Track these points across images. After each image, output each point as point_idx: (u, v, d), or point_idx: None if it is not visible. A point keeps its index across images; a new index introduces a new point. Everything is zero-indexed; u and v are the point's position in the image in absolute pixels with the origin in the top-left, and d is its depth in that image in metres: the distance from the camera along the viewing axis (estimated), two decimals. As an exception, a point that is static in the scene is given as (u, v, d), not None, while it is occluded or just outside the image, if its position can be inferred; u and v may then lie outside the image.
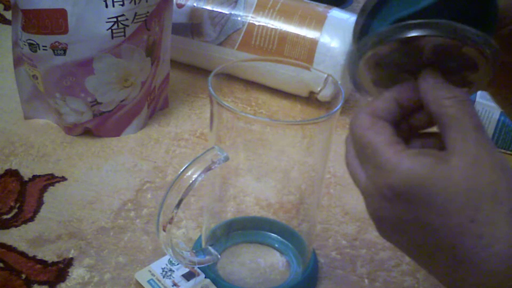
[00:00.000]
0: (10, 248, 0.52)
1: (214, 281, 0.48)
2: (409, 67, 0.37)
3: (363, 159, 0.36)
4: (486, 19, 0.36)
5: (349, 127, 0.37)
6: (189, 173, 0.42)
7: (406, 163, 0.34)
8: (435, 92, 0.35)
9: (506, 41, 0.37)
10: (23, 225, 0.54)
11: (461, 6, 0.35)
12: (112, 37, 0.60)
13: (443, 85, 0.35)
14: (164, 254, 0.51)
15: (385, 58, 0.37)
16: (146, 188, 0.60)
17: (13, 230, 0.54)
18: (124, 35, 0.61)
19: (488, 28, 0.36)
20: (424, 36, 0.34)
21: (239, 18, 0.73)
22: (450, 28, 0.34)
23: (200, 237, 0.52)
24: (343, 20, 0.72)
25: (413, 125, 0.38)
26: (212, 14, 0.74)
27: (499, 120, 0.68)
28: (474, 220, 0.33)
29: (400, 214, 0.35)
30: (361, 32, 0.38)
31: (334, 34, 0.70)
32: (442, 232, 0.34)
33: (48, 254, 0.51)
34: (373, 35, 0.36)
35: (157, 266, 0.50)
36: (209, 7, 0.75)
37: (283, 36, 0.71)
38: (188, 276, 0.49)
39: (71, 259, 0.51)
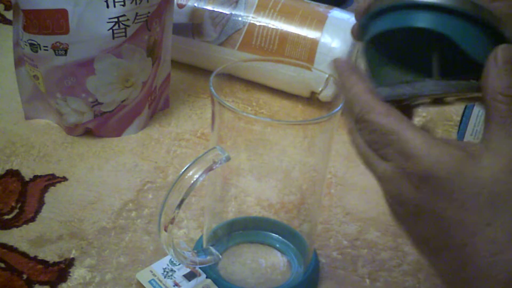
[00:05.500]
0: (11, 249, 0.52)
1: (215, 281, 0.48)
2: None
3: (382, 145, 0.35)
4: None
5: (356, 115, 0.36)
6: (190, 173, 0.42)
7: (435, 153, 0.33)
8: (498, 80, 0.34)
9: None
10: (24, 226, 0.54)
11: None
12: (113, 37, 0.60)
13: (508, 74, 0.34)
14: (165, 254, 0.51)
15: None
16: (147, 188, 0.60)
17: (14, 231, 0.54)
18: (125, 35, 0.61)
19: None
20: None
21: (239, 18, 0.73)
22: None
23: (201, 237, 0.52)
24: (344, 20, 0.72)
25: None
26: (213, 14, 0.74)
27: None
28: (490, 224, 0.32)
29: (421, 201, 0.34)
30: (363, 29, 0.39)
31: (335, 34, 0.70)
32: (456, 229, 0.33)
33: (49, 254, 0.51)
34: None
35: (159, 266, 0.50)
36: (209, 7, 0.75)
37: (284, 36, 0.71)
38: (190, 276, 0.49)
39: (72, 259, 0.51)
